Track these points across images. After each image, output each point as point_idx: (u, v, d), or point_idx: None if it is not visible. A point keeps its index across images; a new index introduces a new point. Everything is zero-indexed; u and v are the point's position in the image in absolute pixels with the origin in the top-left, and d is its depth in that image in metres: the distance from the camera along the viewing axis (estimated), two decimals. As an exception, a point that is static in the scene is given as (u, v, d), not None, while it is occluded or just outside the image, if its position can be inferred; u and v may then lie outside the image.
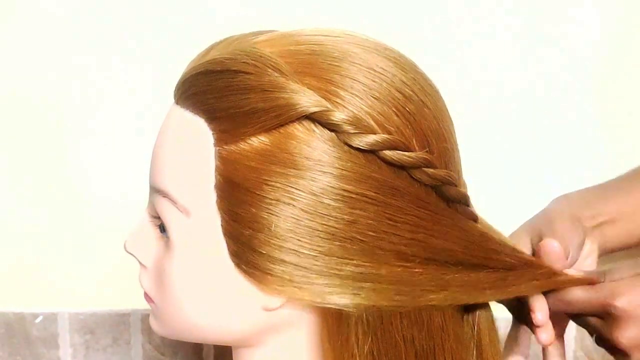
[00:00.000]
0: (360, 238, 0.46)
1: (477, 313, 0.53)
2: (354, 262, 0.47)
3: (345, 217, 0.46)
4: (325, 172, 0.46)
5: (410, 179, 0.48)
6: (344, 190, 0.46)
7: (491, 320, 0.55)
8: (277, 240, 0.46)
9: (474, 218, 0.52)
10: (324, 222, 0.46)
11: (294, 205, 0.46)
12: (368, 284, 0.47)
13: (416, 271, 0.48)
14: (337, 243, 0.46)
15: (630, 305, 0.53)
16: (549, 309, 0.56)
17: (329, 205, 0.46)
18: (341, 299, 0.47)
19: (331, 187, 0.46)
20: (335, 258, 0.46)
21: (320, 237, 0.46)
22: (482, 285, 0.50)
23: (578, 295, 0.55)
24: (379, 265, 0.47)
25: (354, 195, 0.46)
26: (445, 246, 0.49)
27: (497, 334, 0.55)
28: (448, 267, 0.49)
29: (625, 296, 0.54)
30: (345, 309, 0.47)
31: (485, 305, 0.54)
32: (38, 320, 0.92)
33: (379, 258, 0.47)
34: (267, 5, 0.86)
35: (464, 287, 0.50)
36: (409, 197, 0.47)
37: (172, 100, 0.52)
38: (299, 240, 0.46)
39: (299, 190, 0.46)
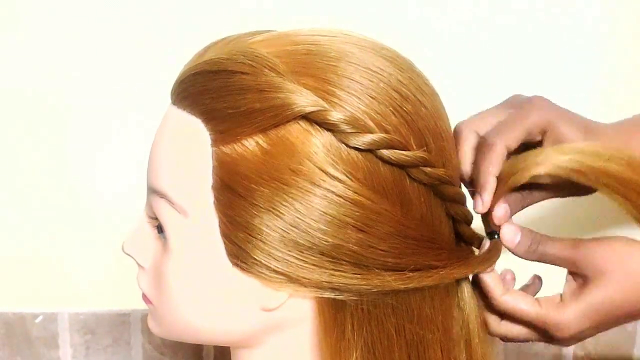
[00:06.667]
0: (347, 259, 0.47)
1: (467, 311, 0.54)
2: (345, 274, 0.47)
3: (330, 239, 0.46)
4: (312, 192, 0.46)
5: (406, 184, 0.48)
6: (327, 214, 0.46)
7: (481, 319, 0.55)
8: (268, 247, 0.47)
9: (468, 221, 0.52)
10: (309, 239, 0.46)
11: (282, 219, 0.46)
12: (362, 289, 0.48)
13: (407, 277, 0.48)
14: (326, 259, 0.47)
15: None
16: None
17: (313, 225, 0.46)
18: (338, 295, 0.48)
19: (316, 208, 0.46)
20: (325, 270, 0.47)
21: (308, 252, 0.47)
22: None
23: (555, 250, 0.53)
24: (370, 277, 0.47)
25: (336, 221, 0.46)
26: (430, 262, 0.49)
27: (487, 333, 0.55)
28: (433, 270, 0.50)
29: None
30: (342, 298, 0.48)
31: (475, 305, 0.54)
32: (38, 320, 0.92)
33: (368, 273, 0.47)
34: (266, 5, 0.86)
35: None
36: (392, 223, 0.47)
37: (169, 100, 0.52)
38: (289, 251, 0.47)
39: (286, 205, 0.46)
